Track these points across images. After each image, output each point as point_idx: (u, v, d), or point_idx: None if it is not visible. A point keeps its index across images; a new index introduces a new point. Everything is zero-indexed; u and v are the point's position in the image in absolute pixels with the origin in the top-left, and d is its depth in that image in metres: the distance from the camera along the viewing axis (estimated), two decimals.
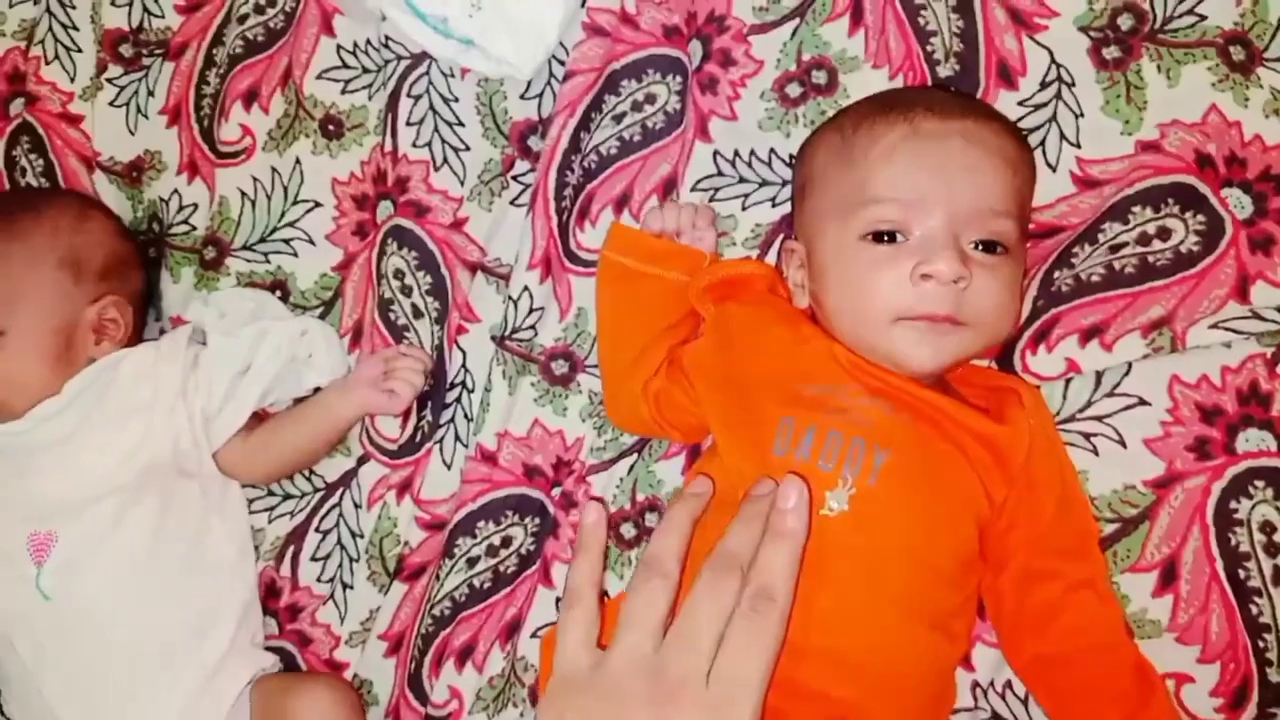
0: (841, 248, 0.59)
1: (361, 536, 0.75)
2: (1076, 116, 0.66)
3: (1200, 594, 0.60)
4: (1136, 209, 0.63)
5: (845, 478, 0.57)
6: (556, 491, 0.71)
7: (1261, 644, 0.59)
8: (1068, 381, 0.63)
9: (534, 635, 0.69)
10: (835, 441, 0.58)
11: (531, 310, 0.72)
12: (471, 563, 0.70)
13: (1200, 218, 0.62)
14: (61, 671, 0.67)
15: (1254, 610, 0.59)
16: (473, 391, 0.73)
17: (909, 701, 0.59)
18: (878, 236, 0.58)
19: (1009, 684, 0.62)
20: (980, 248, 0.58)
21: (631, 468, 0.70)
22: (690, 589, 0.52)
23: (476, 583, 0.70)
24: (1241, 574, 0.60)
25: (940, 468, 0.58)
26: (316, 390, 0.75)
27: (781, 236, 0.69)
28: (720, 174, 0.70)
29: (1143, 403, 0.62)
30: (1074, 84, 0.66)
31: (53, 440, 0.69)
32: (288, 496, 0.76)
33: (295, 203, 0.78)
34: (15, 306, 0.70)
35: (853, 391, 0.59)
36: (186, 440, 0.71)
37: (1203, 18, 0.64)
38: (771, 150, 0.70)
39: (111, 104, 0.83)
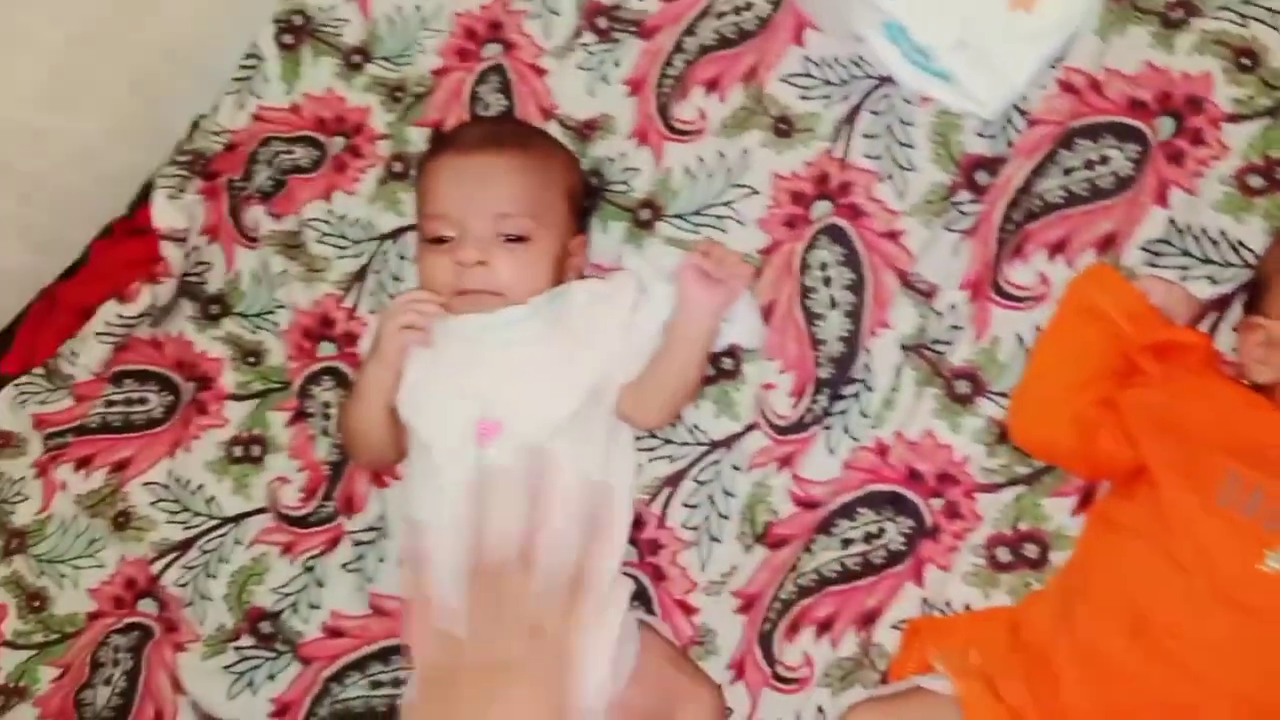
0: None
1: (734, 497, 0.81)
2: None
3: None
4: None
5: None
6: (937, 502, 0.76)
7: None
8: None
9: (894, 627, 0.73)
10: None
11: (952, 328, 0.77)
12: (846, 544, 0.76)
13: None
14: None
15: None
16: (871, 391, 0.79)
17: None
18: None
19: None
20: None
21: (1019, 497, 0.75)
22: None
23: (848, 563, 0.76)
24: None
25: None
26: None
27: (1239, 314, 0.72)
28: (1168, 242, 0.75)
29: None
30: None
31: (513, 341, 0.79)
32: (668, 442, 0.84)
33: (734, 186, 0.87)
34: (541, 220, 0.81)
35: None
36: (618, 367, 0.79)
37: None
38: (1222, 232, 0.74)
39: (579, 67, 0.94)
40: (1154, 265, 0.76)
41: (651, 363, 0.80)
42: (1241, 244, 0.74)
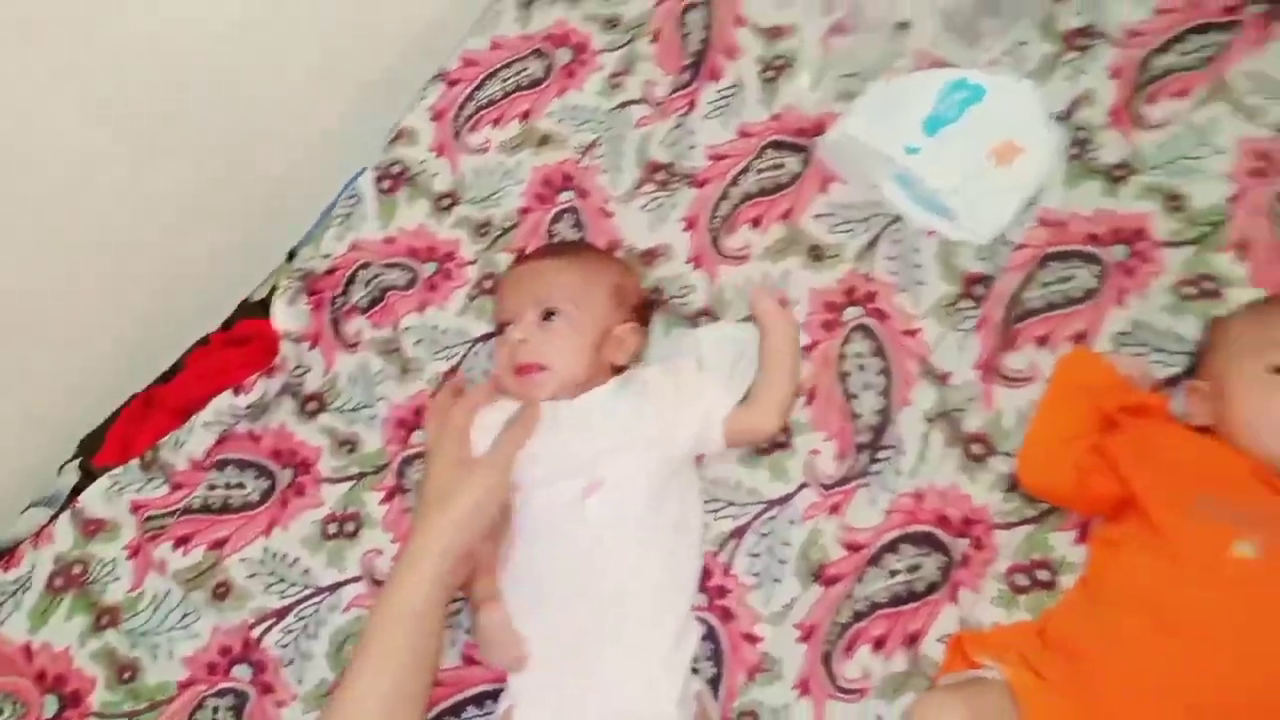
0: (1251, 380, 0.89)
1: (790, 545, 1.02)
2: None
3: None
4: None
5: (1252, 536, 0.83)
6: (963, 541, 0.98)
7: None
8: None
9: (939, 640, 0.93)
10: (1238, 509, 0.85)
11: (968, 399, 1.02)
12: (892, 574, 0.97)
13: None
14: (585, 581, 0.94)
15: None
16: (903, 454, 1.02)
17: None
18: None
19: None
20: None
21: (1029, 534, 0.97)
22: None
23: (896, 590, 0.96)
24: None
25: None
26: None
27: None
28: (1127, 333, 1.03)
29: None
30: None
31: (604, 416, 1.00)
32: (731, 504, 1.05)
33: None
34: (577, 303, 1.05)
35: (1254, 485, 0.87)
36: (695, 427, 1.01)
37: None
38: (1167, 328, 1.03)
39: (642, 209, 1.22)
40: (1119, 351, 1.03)
41: (758, 384, 1.04)
42: (1180, 336, 1.02)
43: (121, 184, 1.21)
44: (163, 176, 1.24)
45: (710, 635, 1.00)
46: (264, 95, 1.30)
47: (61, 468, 1.20)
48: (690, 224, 1.21)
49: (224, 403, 1.16)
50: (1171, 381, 1.01)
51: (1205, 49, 1.17)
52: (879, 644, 0.95)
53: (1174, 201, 1.09)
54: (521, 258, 1.17)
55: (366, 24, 1.37)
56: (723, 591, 1.02)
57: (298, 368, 1.20)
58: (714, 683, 0.98)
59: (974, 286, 1.10)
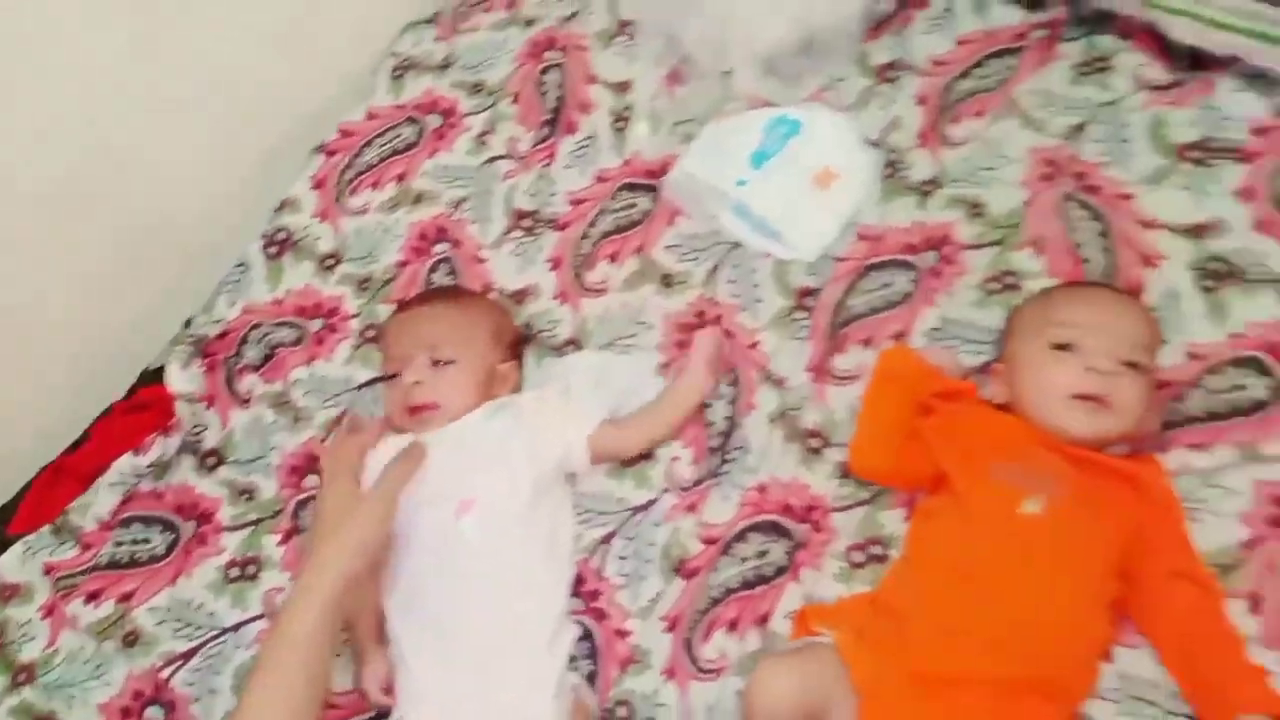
0: (1033, 357, 1.01)
1: (654, 545, 1.11)
2: (1185, 318, 1.09)
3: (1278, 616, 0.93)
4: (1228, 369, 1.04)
5: (1037, 494, 0.95)
6: (804, 526, 1.08)
7: None
8: (1182, 477, 1.01)
9: (785, 617, 1.03)
10: (1028, 473, 0.96)
11: (802, 399, 1.13)
12: (743, 560, 1.06)
13: (1266, 380, 1.03)
14: (464, 595, 1.02)
15: None
16: (750, 453, 1.13)
17: (1083, 674, 0.91)
18: (1058, 347, 1.00)
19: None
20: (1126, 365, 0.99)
21: (864, 514, 1.08)
22: None
23: (746, 575, 1.06)
24: None
25: (1100, 493, 0.95)
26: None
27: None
28: (939, 329, 1.15)
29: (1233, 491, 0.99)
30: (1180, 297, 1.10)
31: (477, 440, 1.10)
32: (601, 513, 1.14)
33: (635, 324, 1.24)
34: (466, 349, 1.15)
35: (1041, 451, 0.98)
36: (561, 448, 1.11)
37: (1266, 266, 1.10)
38: (972, 321, 1.15)
39: (511, 253, 1.33)
40: (932, 345, 1.14)
41: (646, 411, 1.14)
42: (987, 327, 1.14)
43: (25, 265, 1.29)
44: (68, 256, 1.32)
45: (587, 635, 1.08)
46: (162, 176, 1.40)
47: None
48: (555, 264, 1.32)
49: (125, 464, 1.24)
50: (983, 368, 1.12)
51: (1000, 72, 1.31)
52: (733, 625, 1.04)
53: (975, 209, 1.22)
54: (404, 305, 1.27)
55: (253, 110, 1.47)
56: (596, 594, 1.10)
57: (196, 426, 1.28)
58: (591, 678, 1.06)
59: (805, 299, 1.21)
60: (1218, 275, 1.11)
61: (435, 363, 1.13)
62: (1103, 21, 1.30)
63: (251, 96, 1.44)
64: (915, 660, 0.91)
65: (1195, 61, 1.25)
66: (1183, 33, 1.22)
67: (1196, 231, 1.14)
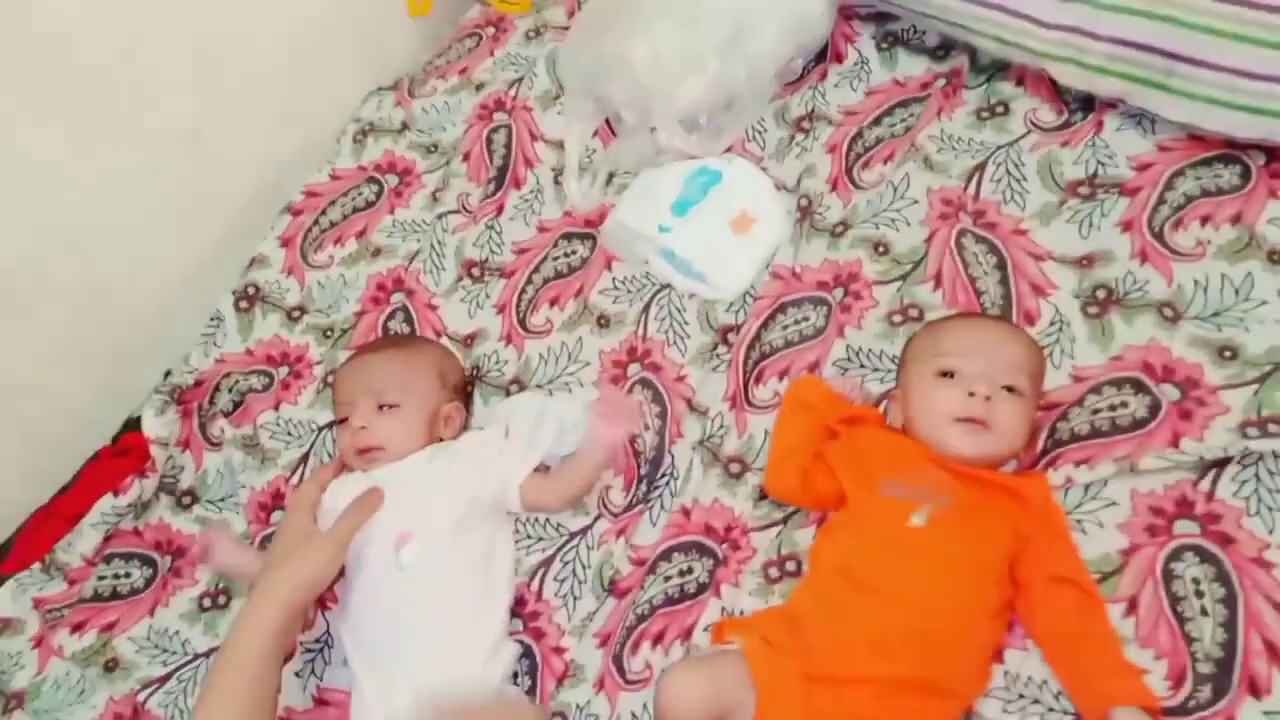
0: (922, 383, 1.10)
1: (589, 567, 1.20)
2: (1072, 342, 1.18)
3: (1152, 618, 1.01)
4: (1107, 389, 1.13)
5: (923, 507, 1.03)
6: (724, 545, 1.17)
7: (1192, 649, 0.98)
8: (1067, 491, 1.09)
9: (705, 629, 1.11)
10: (917, 488, 1.05)
11: (722, 428, 1.23)
12: (667, 579, 1.15)
13: (1146, 398, 1.12)
14: (404, 619, 1.11)
15: (1188, 628, 1.00)
16: (677, 479, 1.22)
17: (968, 674, 0.99)
18: (943, 374, 1.09)
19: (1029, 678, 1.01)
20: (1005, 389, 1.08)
21: (779, 533, 1.16)
22: None
23: (670, 592, 1.14)
24: (1180, 608, 1.01)
25: (984, 507, 1.04)
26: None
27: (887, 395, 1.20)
28: (848, 359, 1.24)
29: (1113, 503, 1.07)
30: (1069, 323, 1.19)
31: (417, 478, 1.19)
32: (540, 539, 1.23)
33: (575, 361, 1.34)
34: (410, 393, 1.24)
35: (930, 468, 1.07)
36: (496, 485, 1.20)
37: (1145, 292, 1.19)
38: (881, 351, 1.24)
39: (461, 300, 1.43)
40: (842, 374, 1.23)
41: (562, 469, 1.21)
42: (894, 357, 1.23)
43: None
44: (34, 327, 1.42)
45: (528, 652, 1.17)
46: (129, 243, 1.50)
47: None
48: (501, 309, 1.42)
49: (106, 504, 1.34)
50: (886, 394, 1.21)
51: (906, 119, 1.41)
52: (658, 639, 1.12)
53: (881, 248, 1.31)
54: (356, 353, 1.37)
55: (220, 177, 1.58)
56: (535, 615, 1.19)
57: (173, 468, 1.38)
58: (531, 692, 1.15)
59: (728, 334, 1.31)
60: (1101, 302, 1.20)
61: (381, 407, 1.22)
62: (1000, 69, 1.40)
63: (225, 164, 1.55)
64: (810, 662, 0.99)
65: (1088, 103, 1.35)
66: (1070, 78, 1.31)
67: (1084, 262, 1.24)
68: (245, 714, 0.98)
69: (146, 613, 1.29)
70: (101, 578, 1.31)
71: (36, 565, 1.34)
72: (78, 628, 1.28)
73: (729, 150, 1.43)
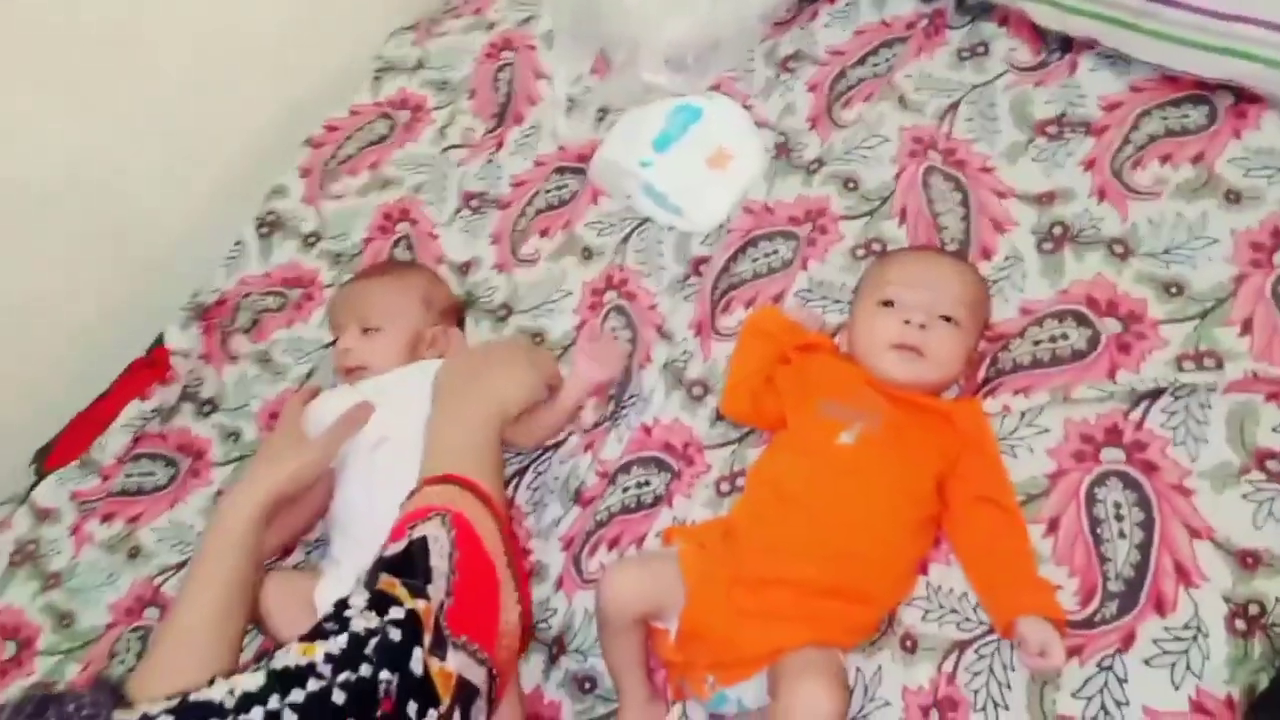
0: (865, 312, 1.15)
1: (558, 479, 1.28)
2: (1024, 277, 1.22)
3: (1070, 538, 1.05)
4: (1049, 321, 1.17)
5: (853, 427, 1.09)
6: (681, 462, 1.24)
7: (1104, 568, 1.03)
8: (1004, 418, 1.13)
9: (656, 535, 1.19)
10: (851, 410, 1.11)
11: (686, 353, 1.29)
12: (625, 490, 1.23)
13: (1087, 331, 1.15)
14: (377, 498, 1.20)
15: (1104, 549, 1.04)
16: (643, 401, 1.29)
17: (886, 582, 1.06)
18: (884, 303, 1.14)
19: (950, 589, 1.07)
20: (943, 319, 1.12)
21: (733, 451, 1.23)
22: None
23: (628, 502, 1.22)
24: (1100, 530, 1.05)
25: (914, 427, 1.09)
26: None
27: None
28: (810, 290, 1.29)
29: (1046, 430, 1.11)
30: (1023, 259, 1.22)
31: (395, 390, 1.28)
32: (518, 453, 1.32)
33: (559, 291, 1.41)
34: (394, 317, 1.33)
35: (867, 391, 1.12)
36: None
37: (1099, 229, 1.21)
38: (842, 284, 1.29)
39: (461, 230, 1.52)
40: (806, 304, 1.29)
41: (536, 411, 1.26)
42: (854, 290, 1.28)
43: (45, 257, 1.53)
44: (71, 248, 1.56)
45: None
46: (165, 173, 1.62)
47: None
48: (496, 239, 1.50)
49: (134, 409, 1.47)
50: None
51: (890, 60, 1.44)
52: (614, 543, 1.21)
53: (851, 184, 1.35)
54: (352, 278, 1.46)
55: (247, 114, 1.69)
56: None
57: (195, 379, 1.50)
58: None
59: (700, 266, 1.37)
60: (1056, 239, 1.23)
61: (365, 330, 1.32)
62: (985, 10, 1.42)
63: (248, 101, 1.66)
64: (738, 566, 1.06)
65: (1066, 44, 1.36)
66: (1046, 18, 1.33)
67: (1044, 199, 1.26)
68: (228, 591, 1.07)
69: (167, 507, 1.41)
70: (129, 475, 1.44)
71: (75, 463, 1.47)
72: (107, 518, 1.42)
73: (716, 88, 1.47)
